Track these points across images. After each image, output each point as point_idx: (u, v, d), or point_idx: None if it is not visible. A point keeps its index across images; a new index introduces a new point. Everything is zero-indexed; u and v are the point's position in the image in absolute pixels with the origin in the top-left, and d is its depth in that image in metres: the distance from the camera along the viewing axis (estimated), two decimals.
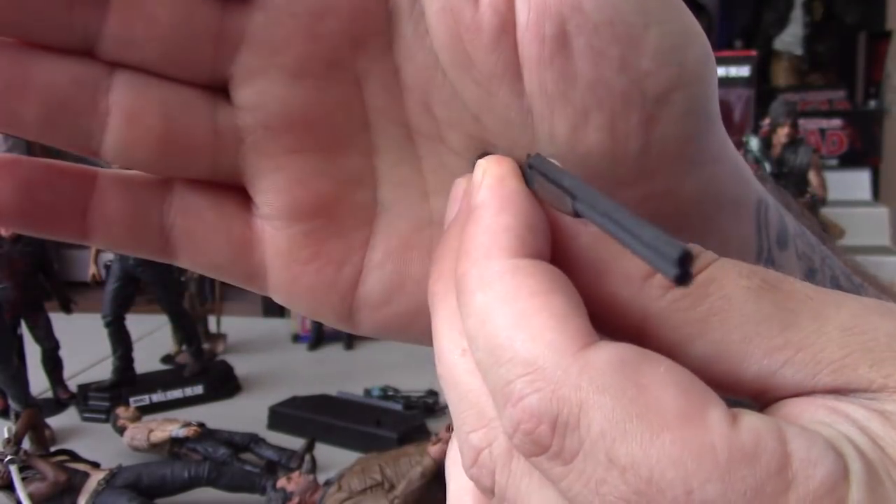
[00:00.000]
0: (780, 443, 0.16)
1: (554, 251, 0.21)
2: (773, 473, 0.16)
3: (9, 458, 1.99)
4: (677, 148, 0.23)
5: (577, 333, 0.18)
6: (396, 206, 0.26)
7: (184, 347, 2.99)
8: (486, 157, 0.22)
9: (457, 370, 0.20)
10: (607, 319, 0.20)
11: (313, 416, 2.45)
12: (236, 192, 0.26)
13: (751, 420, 0.17)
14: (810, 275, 0.31)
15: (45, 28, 0.22)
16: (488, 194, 0.21)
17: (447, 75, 0.23)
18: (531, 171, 0.22)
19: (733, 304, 0.19)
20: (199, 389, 2.78)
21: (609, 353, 0.17)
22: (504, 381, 0.18)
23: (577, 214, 0.20)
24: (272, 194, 0.25)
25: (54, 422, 2.58)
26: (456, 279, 0.20)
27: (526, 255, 0.19)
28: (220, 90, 0.24)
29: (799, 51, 4.57)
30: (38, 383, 2.75)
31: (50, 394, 2.79)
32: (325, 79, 0.24)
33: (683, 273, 0.16)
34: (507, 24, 0.22)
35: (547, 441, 0.17)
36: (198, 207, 0.25)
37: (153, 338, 3.26)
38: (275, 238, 0.26)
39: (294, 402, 2.57)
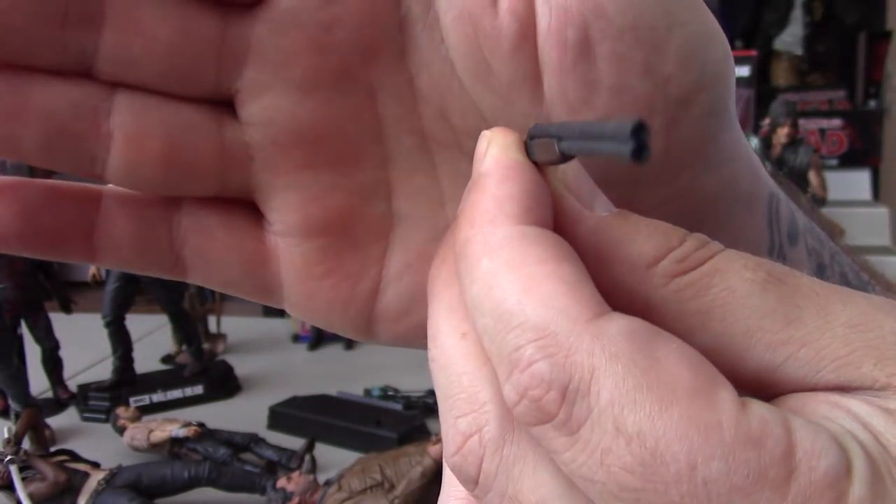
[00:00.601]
0: (785, 431, 0.16)
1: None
2: (778, 460, 0.16)
3: (9, 458, 1.99)
4: (697, 148, 0.23)
5: (589, 301, 0.17)
6: (412, 217, 0.25)
7: (184, 347, 2.99)
8: (492, 129, 0.21)
9: (452, 352, 0.20)
10: (610, 306, 0.20)
11: (313, 416, 2.45)
12: (247, 207, 0.25)
13: (758, 407, 0.16)
14: (820, 270, 0.30)
15: (38, 49, 0.22)
16: (492, 163, 0.20)
17: (464, 83, 0.23)
18: (532, 142, 0.21)
19: (737, 297, 0.19)
20: (199, 389, 2.78)
21: (622, 323, 0.17)
22: (512, 347, 0.17)
23: (564, 157, 0.20)
24: (284, 211, 0.24)
25: (54, 422, 2.59)
26: (458, 246, 0.20)
27: (531, 223, 0.19)
28: (225, 106, 0.24)
29: (799, 51, 4.57)
30: (38, 383, 2.75)
31: (50, 394, 2.79)
32: (335, 91, 0.23)
33: (638, 144, 0.16)
34: (527, 31, 0.21)
35: (554, 409, 0.17)
36: (208, 225, 0.25)
37: (153, 338, 3.27)
38: (289, 254, 0.25)
39: (294, 402, 2.57)
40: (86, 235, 0.24)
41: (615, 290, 0.20)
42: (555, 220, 0.20)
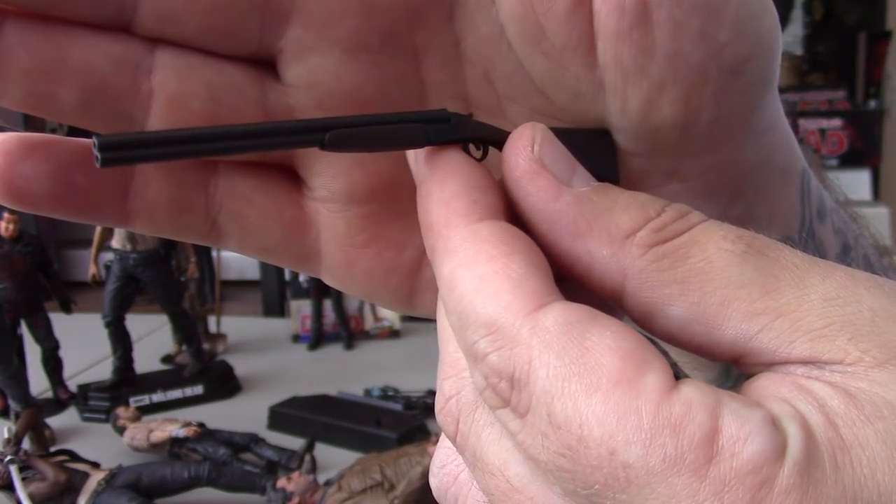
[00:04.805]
0: (710, 416, 0.16)
1: (534, 214, 0.21)
2: (697, 445, 0.16)
3: (9, 458, 1.99)
4: (744, 117, 0.23)
5: (531, 294, 0.18)
6: None
7: (184, 347, 2.99)
8: None
9: (444, 321, 0.21)
10: (587, 280, 0.20)
11: (313, 416, 2.45)
12: (285, 171, 0.25)
13: (688, 391, 0.17)
14: (845, 251, 0.30)
15: (76, 1, 0.21)
16: (425, 168, 0.21)
17: (513, 47, 0.23)
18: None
19: (715, 267, 0.19)
20: (199, 389, 2.77)
21: (558, 313, 0.18)
22: (471, 342, 0.19)
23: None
24: (328, 177, 0.24)
25: (54, 422, 2.58)
26: (428, 254, 0.21)
27: (481, 216, 0.20)
28: (268, 67, 0.23)
29: (799, 51, 4.57)
30: (38, 383, 2.75)
31: (50, 394, 2.79)
32: (381, 54, 0.23)
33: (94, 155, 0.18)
34: None
35: (507, 395, 0.18)
36: (246, 190, 0.24)
37: (153, 338, 3.26)
38: (330, 221, 0.25)
39: (294, 402, 2.57)
40: (120, 198, 0.23)
41: (592, 265, 0.20)
42: (532, 197, 0.21)
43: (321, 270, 0.26)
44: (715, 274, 0.19)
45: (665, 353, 0.32)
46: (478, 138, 0.22)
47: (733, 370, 0.30)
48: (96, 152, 0.18)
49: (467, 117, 0.22)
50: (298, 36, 0.22)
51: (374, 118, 0.21)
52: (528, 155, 0.21)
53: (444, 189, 0.20)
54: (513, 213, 0.21)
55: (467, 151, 0.22)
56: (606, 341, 0.17)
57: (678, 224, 0.20)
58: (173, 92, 0.22)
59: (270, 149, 0.20)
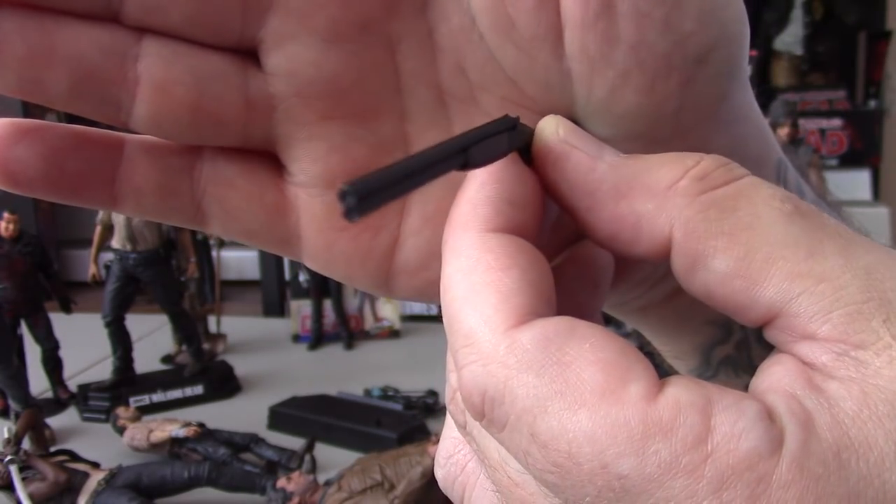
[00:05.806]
0: (702, 416, 0.16)
1: (573, 190, 0.21)
2: (690, 447, 0.16)
3: (9, 458, 1.99)
4: (711, 107, 0.23)
5: (513, 311, 0.18)
6: None
7: (184, 347, 2.99)
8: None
9: None
10: (636, 243, 0.21)
11: (313, 416, 2.45)
12: (267, 157, 0.25)
13: (675, 393, 0.17)
14: None
15: None
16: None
17: (484, 38, 0.23)
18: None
19: (762, 223, 0.19)
20: (199, 389, 2.77)
21: (536, 331, 0.18)
22: (454, 349, 0.19)
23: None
24: (307, 162, 0.25)
25: (54, 422, 2.58)
26: (442, 244, 0.21)
27: (499, 228, 0.20)
28: (250, 56, 0.24)
29: (799, 51, 4.57)
30: (38, 383, 2.75)
31: (50, 394, 2.79)
32: (357, 43, 0.24)
33: (346, 208, 0.16)
34: None
35: (481, 409, 0.18)
36: (229, 174, 0.25)
37: (153, 338, 3.26)
38: (310, 205, 0.25)
39: (294, 402, 2.57)
40: (108, 181, 0.24)
41: (637, 224, 0.20)
42: (569, 174, 0.22)
43: (302, 254, 0.26)
44: (762, 230, 0.19)
45: (648, 344, 0.32)
46: (527, 143, 0.22)
47: (713, 359, 0.30)
48: (349, 204, 0.16)
49: (517, 120, 0.22)
50: (278, 26, 0.23)
51: (476, 134, 0.20)
52: (556, 139, 0.22)
53: (480, 190, 0.21)
54: (547, 214, 0.22)
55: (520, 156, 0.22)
56: (586, 354, 0.17)
57: (721, 172, 0.20)
58: (159, 79, 0.23)
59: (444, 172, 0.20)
